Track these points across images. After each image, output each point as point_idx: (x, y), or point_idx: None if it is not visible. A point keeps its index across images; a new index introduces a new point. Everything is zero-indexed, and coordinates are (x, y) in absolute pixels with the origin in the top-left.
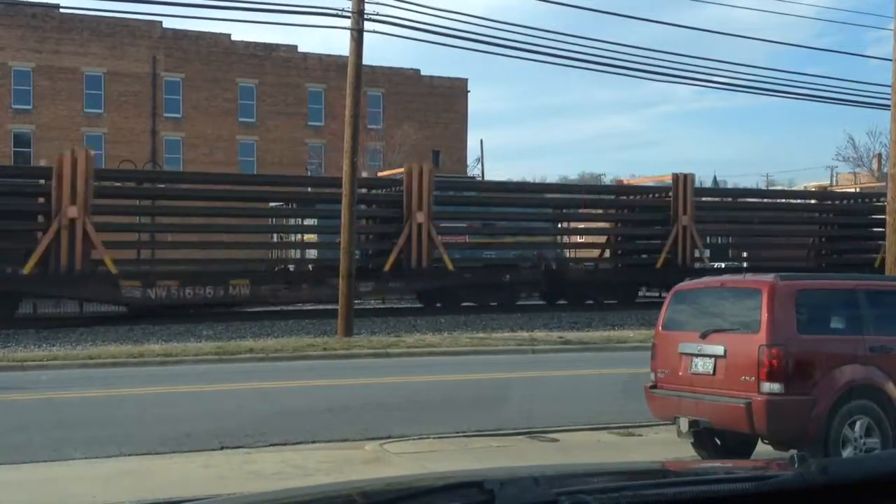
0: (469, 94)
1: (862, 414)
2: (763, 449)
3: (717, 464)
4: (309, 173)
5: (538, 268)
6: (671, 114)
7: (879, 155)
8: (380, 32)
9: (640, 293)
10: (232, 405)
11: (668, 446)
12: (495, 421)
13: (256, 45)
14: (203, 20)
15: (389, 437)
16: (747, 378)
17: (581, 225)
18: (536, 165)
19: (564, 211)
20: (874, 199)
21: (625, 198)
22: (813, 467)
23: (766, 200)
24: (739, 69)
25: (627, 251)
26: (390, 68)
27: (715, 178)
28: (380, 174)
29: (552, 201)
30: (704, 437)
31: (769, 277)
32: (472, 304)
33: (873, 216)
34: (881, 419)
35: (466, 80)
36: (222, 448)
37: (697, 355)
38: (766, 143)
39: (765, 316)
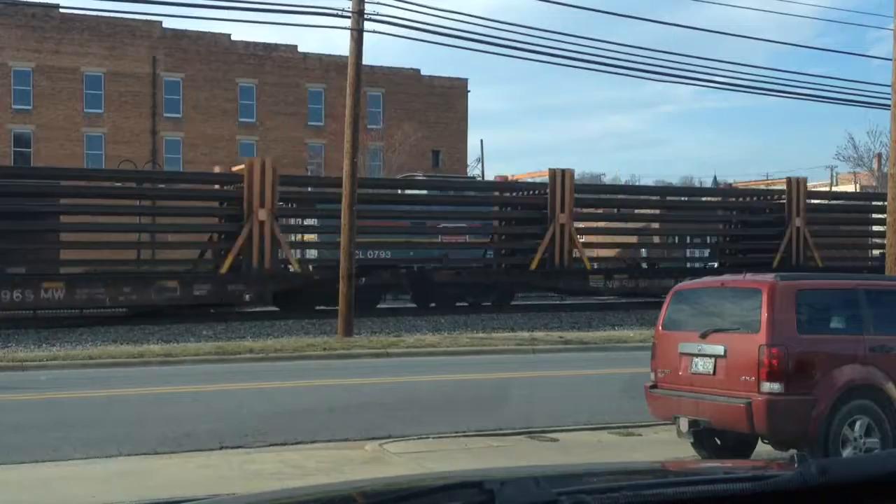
0: (469, 94)
1: (862, 414)
2: (763, 449)
3: (716, 464)
4: (309, 173)
5: (398, 269)
6: (672, 114)
7: (879, 155)
8: (380, 32)
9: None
10: (232, 405)
11: (668, 446)
12: (495, 421)
13: (256, 45)
14: (203, 20)
15: (389, 437)
16: (747, 378)
17: (461, 224)
18: (537, 165)
19: (437, 209)
20: (775, 197)
21: (508, 195)
22: (813, 467)
23: (662, 198)
24: (740, 69)
25: (508, 251)
26: (390, 68)
27: (715, 177)
28: (233, 169)
29: (420, 198)
30: (704, 436)
31: (769, 277)
32: (328, 307)
33: (774, 214)
34: (881, 419)
35: (466, 80)
36: (222, 448)
37: (697, 355)
38: (766, 143)
39: (765, 316)
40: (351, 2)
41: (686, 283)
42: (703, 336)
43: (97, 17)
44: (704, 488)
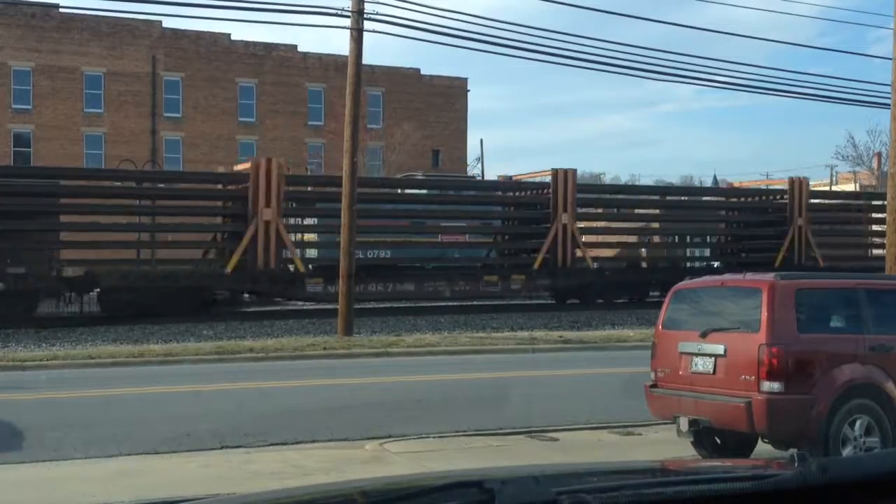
0: (469, 93)
1: (862, 413)
2: (763, 448)
3: (716, 463)
4: (309, 172)
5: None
6: (672, 113)
7: (879, 154)
8: (380, 32)
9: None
10: (232, 405)
11: (667, 445)
12: (495, 420)
13: (256, 44)
14: (203, 20)
15: (389, 437)
16: (747, 377)
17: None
18: (536, 165)
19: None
20: (543, 190)
21: (232, 187)
22: (813, 467)
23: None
24: (742, 69)
25: (219, 251)
26: (390, 68)
27: (715, 177)
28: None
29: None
30: (704, 436)
31: (769, 276)
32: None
33: (544, 210)
34: (881, 418)
35: (466, 79)
36: (222, 448)
37: (697, 354)
38: (766, 142)
39: (765, 315)
40: (351, 1)
41: (686, 283)
42: (703, 335)
43: (97, 16)
44: (705, 487)
